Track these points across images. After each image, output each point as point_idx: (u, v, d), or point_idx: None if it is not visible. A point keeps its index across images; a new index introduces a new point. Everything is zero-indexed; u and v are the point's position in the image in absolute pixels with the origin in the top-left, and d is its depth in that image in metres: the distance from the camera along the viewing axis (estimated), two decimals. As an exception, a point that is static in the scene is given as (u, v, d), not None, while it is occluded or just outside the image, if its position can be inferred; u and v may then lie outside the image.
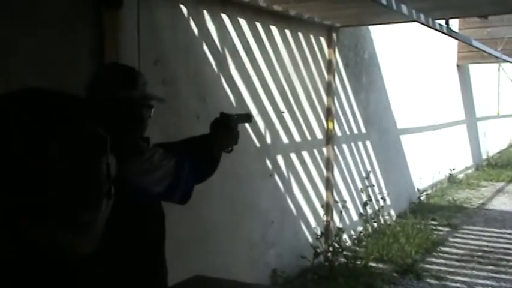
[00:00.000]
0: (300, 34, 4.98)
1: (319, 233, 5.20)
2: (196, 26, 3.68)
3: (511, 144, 16.78)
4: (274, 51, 4.60)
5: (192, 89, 3.65)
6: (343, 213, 5.66)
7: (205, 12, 3.75)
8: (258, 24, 4.38)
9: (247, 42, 4.25)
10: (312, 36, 5.19)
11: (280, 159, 4.69)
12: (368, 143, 6.51)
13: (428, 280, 4.95)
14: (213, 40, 3.85)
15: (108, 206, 0.87)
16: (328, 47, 5.44)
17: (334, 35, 5.44)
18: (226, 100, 3.96)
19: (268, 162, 4.53)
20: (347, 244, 5.70)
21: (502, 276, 5.09)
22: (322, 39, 5.37)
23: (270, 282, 4.52)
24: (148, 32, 3.20)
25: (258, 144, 4.35)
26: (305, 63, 5.07)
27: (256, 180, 4.38)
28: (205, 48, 3.77)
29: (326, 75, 5.43)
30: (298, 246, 4.92)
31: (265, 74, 4.47)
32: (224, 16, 3.96)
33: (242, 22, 4.17)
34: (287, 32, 4.78)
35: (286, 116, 4.78)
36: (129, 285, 1.70)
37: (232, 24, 4.05)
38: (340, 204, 5.62)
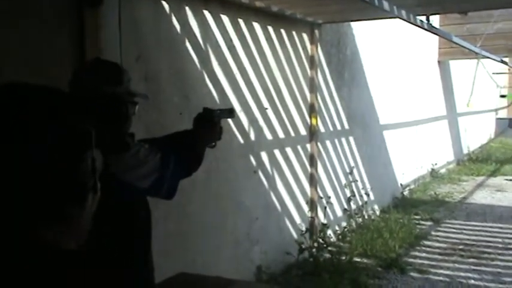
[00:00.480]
0: (282, 31, 4.98)
1: (303, 229, 5.22)
2: (179, 22, 3.66)
3: (491, 139, 17.06)
4: (257, 48, 4.59)
5: (175, 85, 3.63)
6: (328, 209, 5.69)
7: (187, 8, 3.73)
8: (241, 21, 4.37)
9: (230, 39, 4.24)
10: (294, 33, 5.19)
11: (264, 155, 4.69)
12: (351, 138, 6.54)
13: (412, 274, 5.00)
14: (196, 37, 3.83)
15: (94, 201, 0.86)
16: (311, 43, 5.45)
17: (316, 32, 5.46)
18: (210, 97, 3.94)
19: (252, 159, 4.53)
20: (332, 240, 5.73)
21: (483, 268, 5.16)
22: (305, 36, 5.38)
23: (254, 279, 4.52)
24: (130, 28, 3.18)
25: (241, 141, 4.34)
26: (288, 59, 5.07)
27: (240, 177, 4.37)
28: (187, 44, 3.75)
29: (309, 72, 5.44)
30: (283, 243, 4.93)
31: (248, 70, 4.46)
32: (206, 12, 3.94)
33: (225, 19, 4.16)
34: (270, 28, 4.78)
35: (270, 112, 4.78)
36: (116, 282, 1.69)
37: (215, 21, 4.03)
38: (324, 200, 5.65)
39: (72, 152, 0.80)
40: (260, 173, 4.63)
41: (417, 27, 5.73)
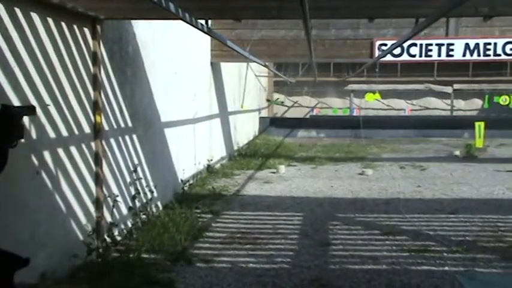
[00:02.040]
0: (63, 24, 4.76)
1: (90, 229, 5.07)
2: None
3: (256, 136, 18.74)
4: (37, 41, 4.31)
5: None
6: (114, 208, 5.61)
7: (-44, -8, 3.32)
8: (18, 10, 4.06)
9: (6, 29, 3.90)
10: (76, 27, 5.00)
11: (47, 155, 4.42)
12: (135, 136, 6.56)
13: (198, 264, 5.25)
14: (-34, 24, 3.44)
15: None
16: (93, 38, 5.31)
17: (98, 27, 5.34)
18: (-15, 92, 3.57)
19: (34, 159, 4.23)
20: (119, 238, 5.67)
21: (259, 252, 5.70)
22: (87, 31, 5.22)
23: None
24: None
25: (22, 139, 4.02)
26: (70, 54, 4.86)
27: (22, 178, 4.05)
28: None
29: (92, 68, 5.29)
30: (70, 245, 4.71)
31: (27, 64, 4.16)
32: (-22, -1, 3.57)
33: (-1, 7, 3.81)
34: (50, 20, 4.52)
35: (52, 109, 4.52)
36: None
37: (-12, 9, 3.67)
38: (110, 199, 5.56)
39: None
40: (43, 174, 4.36)
41: (195, 30, 6.01)
